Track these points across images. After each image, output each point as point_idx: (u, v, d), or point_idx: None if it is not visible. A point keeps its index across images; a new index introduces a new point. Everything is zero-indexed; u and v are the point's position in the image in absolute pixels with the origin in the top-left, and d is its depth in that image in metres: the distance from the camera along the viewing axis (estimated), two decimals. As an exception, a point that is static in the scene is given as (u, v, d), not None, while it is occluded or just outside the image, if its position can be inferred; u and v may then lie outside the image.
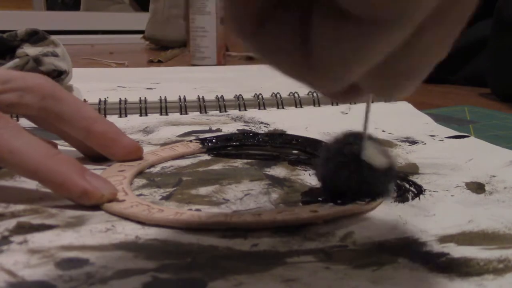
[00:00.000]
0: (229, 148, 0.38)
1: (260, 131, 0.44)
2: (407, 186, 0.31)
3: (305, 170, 0.34)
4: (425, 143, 0.40)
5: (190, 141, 0.39)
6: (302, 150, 0.37)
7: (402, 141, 0.41)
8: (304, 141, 0.37)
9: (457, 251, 0.22)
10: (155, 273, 0.20)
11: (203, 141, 0.38)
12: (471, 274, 0.20)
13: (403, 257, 0.22)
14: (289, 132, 0.43)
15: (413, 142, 0.40)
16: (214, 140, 0.38)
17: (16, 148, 0.27)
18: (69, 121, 0.32)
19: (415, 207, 0.28)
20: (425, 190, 0.30)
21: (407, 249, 0.22)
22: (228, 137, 0.39)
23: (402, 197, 0.29)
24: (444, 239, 0.23)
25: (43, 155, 0.27)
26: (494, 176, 0.32)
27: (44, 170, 0.27)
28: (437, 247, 0.23)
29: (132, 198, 0.27)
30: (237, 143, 0.38)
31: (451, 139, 0.41)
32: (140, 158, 0.34)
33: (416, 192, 0.30)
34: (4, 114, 0.28)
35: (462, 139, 0.40)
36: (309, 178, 0.33)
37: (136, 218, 0.25)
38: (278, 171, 0.34)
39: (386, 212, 0.27)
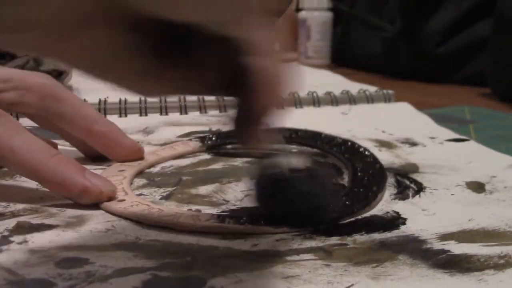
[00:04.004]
0: (229, 146, 0.38)
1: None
2: (408, 183, 0.31)
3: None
4: (425, 145, 0.40)
5: (190, 139, 0.39)
6: (302, 143, 0.37)
7: (402, 142, 0.41)
8: (304, 134, 0.37)
9: (458, 248, 0.22)
10: (155, 271, 0.20)
11: (202, 139, 0.38)
12: (472, 270, 0.20)
13: (403, 254, 0.22)
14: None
15: (413, 143, 0.40)
16: (213, 138, 0.38)
17: (17, 146, 0.27)
18: (69, 121, 0.32)
19: (416, 205, 0.28)
20: (425, 187, 0.30)
21: (407, 247, 0.22)
22: (228, 135, 0.39)
23: (402, 194, 0.29)
24: (444, 237, 0.23)
25: (43, 155, 0.27)
26: (494, 177, 0.32)
27: (44, 169, 0.27)
28: (437, 245, 0.23)
29: (132, 198, 0.27)
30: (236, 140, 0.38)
31: (451, 142, 0.41)
32: (141, 158, 0.34)
33: (416, 189, 0.30)
34: (5, 112, 0.28)
35: (462, 143, 0.40)
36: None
37: (136, 218, 0.25)
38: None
39: (386, 210, 0.27)
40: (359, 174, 0.30)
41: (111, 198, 0.27)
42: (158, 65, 0.18)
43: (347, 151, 0.34)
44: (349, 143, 0.34)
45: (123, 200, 0.27)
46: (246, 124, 0.22)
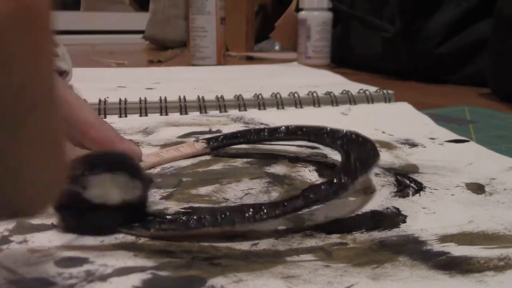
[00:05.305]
0: (233, 146, 0.38)
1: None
2: (408, 182, 0.31)
3: (305, 167, 0.34)
4: (425, 146, 0.40)
5: (197, 140, 0.38)
6: (307, 139, 0.36)
7: (402, 143, 0.41)
8: (309, 130, 0.36)
9: (458, 250, 0.22)
10: (155, 270, 0.20)
11: (208, 140, 0.38)
12: (472, 271, 0.20)
13: (403, 255, 0.22)
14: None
15: (413, 144, 0.40)
16: (219, 139, 0.38)
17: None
18: (65, 122, 0.32)
19: (416, 203, 0.28)
20: (425, 187, 0.30)
21: (407, 248, 0.22)
22: (234, 135, 0.39)
23: (402, 193, 0.29)
24: (444, 238, 0.23)
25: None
26: (494, 178, 0.32)
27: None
28: (437, 246, 0.23)
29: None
30: (242, 140, 0.38)
31: (451, 143, 0.41)
32: (139, 161, 0.34)
33: (416, 188, 0.30)
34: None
35: (462, 144, 0.40)
36: (309, 175, 0.33)
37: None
38: (278, 169, 0.34)
39: (386, 206, 0.27)
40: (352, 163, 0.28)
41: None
42: None
43: (346, 142, 0.32)
44: (352, 135, 0.33)
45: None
46: None
